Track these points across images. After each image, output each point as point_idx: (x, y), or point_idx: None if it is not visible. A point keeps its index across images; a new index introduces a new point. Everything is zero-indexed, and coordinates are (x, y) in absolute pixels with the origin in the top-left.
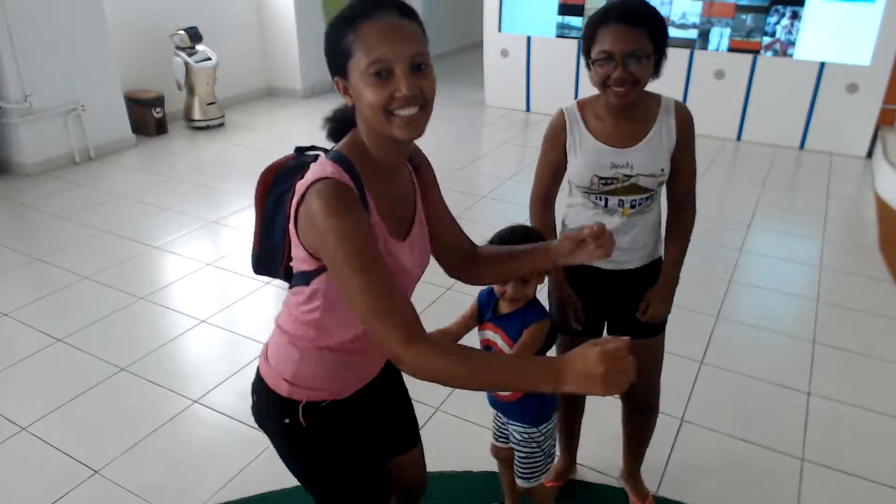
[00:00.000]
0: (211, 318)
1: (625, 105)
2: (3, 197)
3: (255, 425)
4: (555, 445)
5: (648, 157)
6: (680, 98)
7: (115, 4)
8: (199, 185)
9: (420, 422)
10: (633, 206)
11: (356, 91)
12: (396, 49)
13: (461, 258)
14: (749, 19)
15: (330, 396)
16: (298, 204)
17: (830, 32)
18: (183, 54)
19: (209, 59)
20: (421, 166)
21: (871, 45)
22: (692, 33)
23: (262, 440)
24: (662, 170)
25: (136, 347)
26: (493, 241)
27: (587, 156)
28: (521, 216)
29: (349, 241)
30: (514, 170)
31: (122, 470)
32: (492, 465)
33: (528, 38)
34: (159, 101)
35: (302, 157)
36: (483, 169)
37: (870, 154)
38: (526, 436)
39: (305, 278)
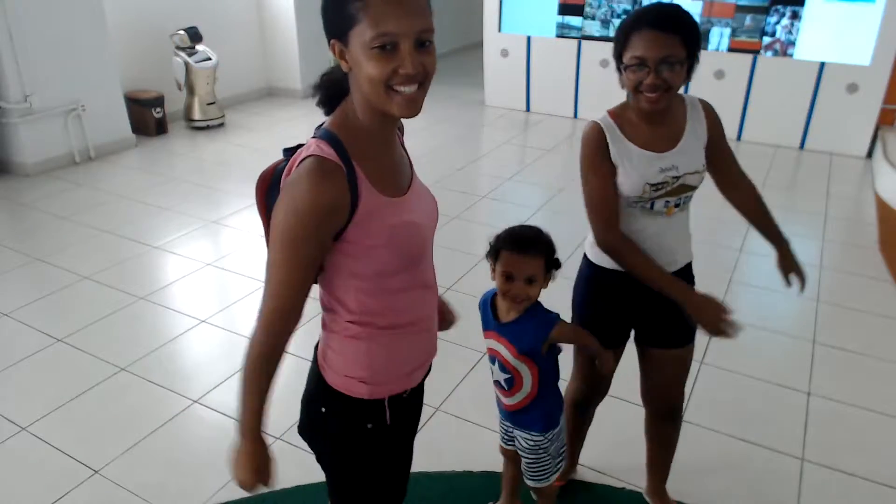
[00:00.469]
0: (211, 318)
1: (657, 111)
2: (3, 197)
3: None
4: (563, 446)
5: (690, 155)
6: None
7: (115, 4)
8: (199, 185)
9: (420, 422)
10: (676, 206)
11: (355, 59)
12: (405, 24)
13: None
14: (748, 19)
15: (409, 384)
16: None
17: (830, 32)
18: (183, 54)
19: (209, 59)
20: (401, 128)
21: (871, 45)
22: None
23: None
24: (703, 164)
25: (136, 347)
26: (499, 238)
27: (636, 166)
28: (522, 216)
29: (294, 222)
30: (514, 170)
31: (122, 470)
32: (491, 465)
33: (528, 38)
34: (159, 101)
35: (290, 157)
36: (483, 169)
37: (870, 154)
38: (532, 443)
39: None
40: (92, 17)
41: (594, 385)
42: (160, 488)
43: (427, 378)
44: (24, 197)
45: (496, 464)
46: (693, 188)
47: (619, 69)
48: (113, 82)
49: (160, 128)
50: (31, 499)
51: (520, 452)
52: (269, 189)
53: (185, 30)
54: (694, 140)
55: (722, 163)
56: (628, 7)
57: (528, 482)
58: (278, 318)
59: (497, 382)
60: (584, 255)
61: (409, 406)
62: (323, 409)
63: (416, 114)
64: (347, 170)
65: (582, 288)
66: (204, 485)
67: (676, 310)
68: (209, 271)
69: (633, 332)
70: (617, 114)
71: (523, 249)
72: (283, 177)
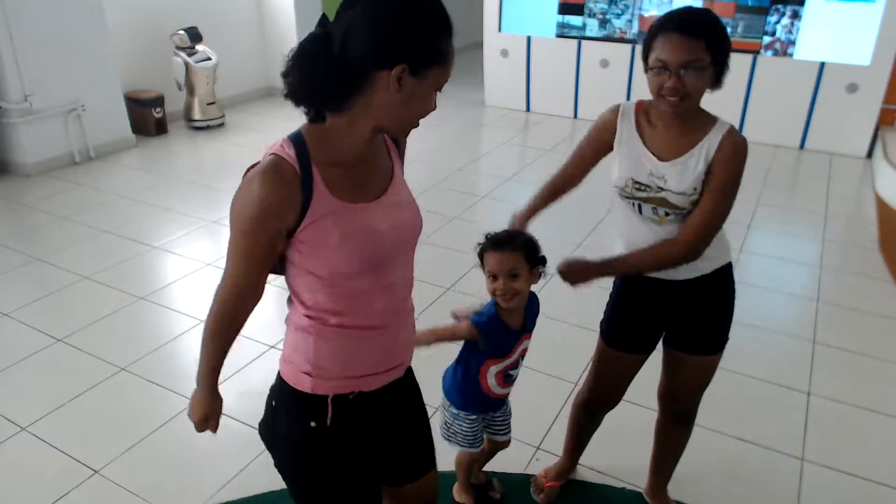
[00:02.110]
0: None
1: (678, 115)
2: (3, 197)
3: (255, 425)
4: (459, 440)
5: (680, 175)
6: None
7: (115, 4)
8: (199, 185)
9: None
10: (667, 215)
11: (415, 91)
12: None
13: None
14: (748, 19)
15: (357, 386)
16: None
17: (830, 32)
18: (183, 54)
19: (209, 59)
20: (400, 141)
21: (871, 45)
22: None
23: None
24: (695, 189)
25: (136, 347)
26: (485, 241)
27: (629, 155)
28: None
29: (244, 216)
30: (514, 170)
31: (122, 470)
32: (491, 464)
33: (528, 38)
34: (159, 101)
35: None
36: (483, 169)
37: (870, 154)
38: (447, 404)
39: (284, 257)
40: (92, 17)
41: (610, 392)
42: (160, 488)
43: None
44: (24, 197)
45: (497, 463)
46: (679, 207)
47: (645, 70)
48: (113, 82)
49: (160, 128)
50: (31, 499)
51: (504, 432)
52: None
53: (185, 30)
54: (692, 164)
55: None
56: (628, 5)
57: (506, 437)
58: (231, 297)
59: (511, 379)
60: None
61: (360, 411)
62: (273, 403)
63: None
64: (303, 172)
65: (615, 292)
66: (204, 485)
67: (708, 316)
68: (209, 271)
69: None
70: (643, 106)
71: (500, 246)
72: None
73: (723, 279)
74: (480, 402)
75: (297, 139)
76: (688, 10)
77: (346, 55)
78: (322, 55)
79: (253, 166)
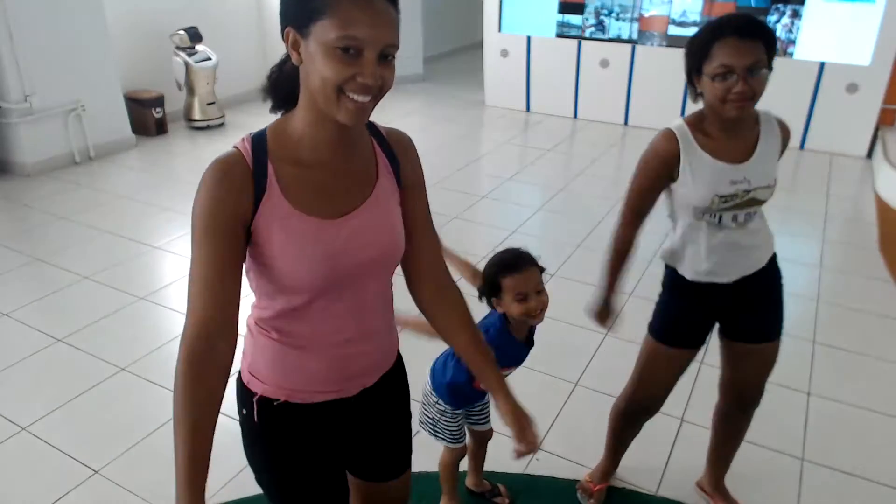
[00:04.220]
0: None
1: (738, 118)
2: (3, 197)
3: None
4: (445, 436)
5: (763, 168)
6: (679, 97)
7: (115, 4)
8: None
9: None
10: (745, 220)
11: (311, 55)
12: (375, 33)
13: (435, 293)
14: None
15: (283, 396)
16: None
17: (830, 32)
18: (183, 54)
19: (209, 59)
20: (404, 160)
21: (871, 45)
22: (692, 31)
23: None
24: (775, 179)
25: (136, 347)
26: (494, 272)
27: (706, 176)
28: (522, 216)
29: (198, 213)
30: (514, 170)
31: (122, 470)
32: (491, 464)
33: (528, 38)
34: (159, 101)
35: None
36: (483, 169)
37: (870, 154)
38: (429, 388)
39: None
40: (92, 17)
41: (656, 395)
42: (160, 488)
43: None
44: (24, 197)
45: (497, 463)
46: (762, 202)
47: (692, 83)
48: (113, 82)
49: (160, 128)
50: (31, 499)
51: (483, 421)
52: None
53: (185, 30)
54: (767, 153)
55: None
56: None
57: (487, 426)
58: (201, 336)
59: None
60: (665, 265)
61: (290, 418)
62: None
63: (362, 123)
64: (257, 166)
65: (666, 293)
66: None
67: (769, 303)
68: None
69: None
70: (693, 123)
71: (518, 268)
72: None
73: (769, 270)
74: (467, 397)
75: (258, 135)
76: (739, 15)
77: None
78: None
79: None
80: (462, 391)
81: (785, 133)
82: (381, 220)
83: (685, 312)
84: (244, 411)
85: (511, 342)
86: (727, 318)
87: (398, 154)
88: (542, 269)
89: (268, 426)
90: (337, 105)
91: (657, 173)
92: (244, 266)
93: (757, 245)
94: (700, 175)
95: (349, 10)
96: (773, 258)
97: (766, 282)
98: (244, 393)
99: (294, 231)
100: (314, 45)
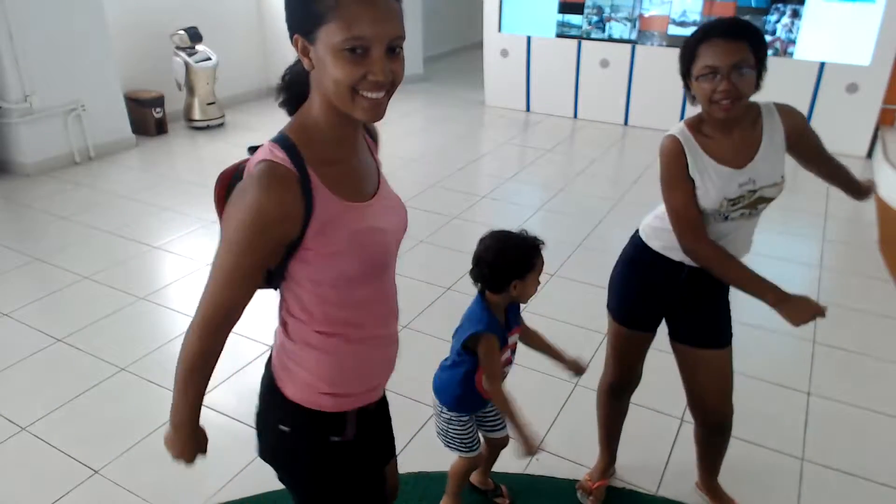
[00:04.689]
0: None
1: (730, 119)
2: (3, 197)
3: (254, 424)
4: (458, 446)
5: (767, 167)
6: (679, 97)
7: (115, 4)
8: (199, 185)
9: (420, 422)
10: (751, 215)
11: (320, 60)
12: (379, 29)
13: None
14: (748, 19)
15: (376, 396)
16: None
17: (830, 32)
18: (183, 54)
19: (209, 59)
20: (377, 143)
21: (871, 45)
22: (692, 31)
23: None
24: (782, 176)
25: (136, 347)
26: (528, 253)
27: (714, 182)
28: (521, 216)
29: (248, 225)
30: (514, 170)
31: (122, 470)
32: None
33: (528, 38)
34: (159, 101)
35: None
36: (483, 169)
37: (870, 154)
38: (440, 409)
39: (281, 271)
40: (92, 17)
41: (628, 370)
42: (160, 488)
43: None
44: (24, 197)
45: (498, 463)
46: (770, 199)
47: (687, 85)
48: (113, 82)
49: (160, 128)
50: (31, 499)
51: (499, 427)
52: (229, 188)
53: (185, 30)
54: (771, 151)
55: (814, 160)
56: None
57: (503, 432)
58: (215, 322)
59: (504, 376)
60: (635, 235)
61: (375, 421)
62: (284, 428)
63: (380, 118)
64: (301, 176)
65: (622, 267)
66: (204, 485)
67: (714, 309)
68: (209, 271)
69: (667, 328)
70: (694, 126)
71: (540, 250)
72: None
73: None
74: (472, 402)
75: (283, 141)
76: (726, 18)
77: None
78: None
79: (229, 171)
80: (466, 397)
81: (787, 118)
82: (393, 196)
83: (639, 291)
84: (335, 439)
85: (501, 329)
86: (673, 313)
87: (376, 137)
88: None
89: (362, 437)
90: (353, 104)
91: (679, 177)
92: (286, 285)
93: (743, 238)
94: (707, 180)
95: (352, 11)
96: None
97: (714, 285)
98: (329, 420)
99: (352, 220)
100: (322, 49)
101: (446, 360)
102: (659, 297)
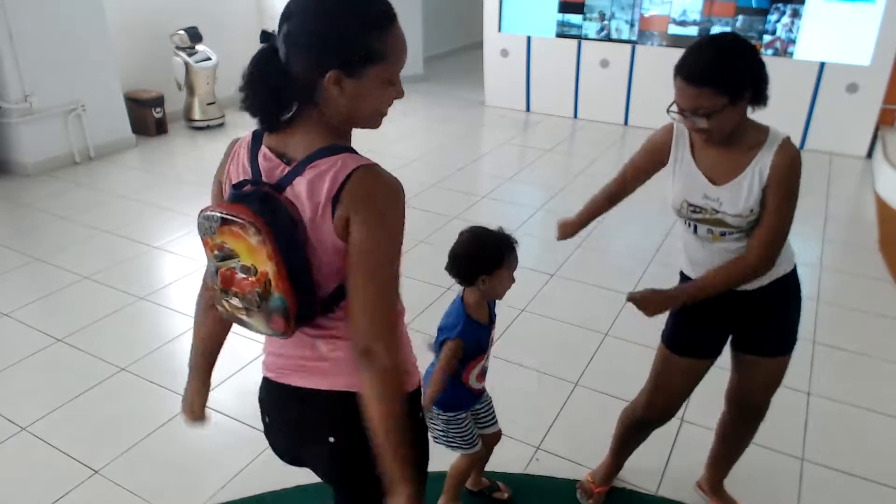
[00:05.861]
0: None
1: (718, 141)
2: (3, 197)
3: (255, 425)
4: (460, 444)
5: (735, 198)
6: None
7: (115, 4)
8: (199, 185)
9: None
10: (722, 235)
11: (361, 91)
12: (406, 58)
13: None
14: (748, 18)
15: (419, 378)
16: (339, 191)
17: (830, 32)
18: (183, 54)
19: (209, 59)
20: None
21: (871, 45)
22: (693, 31)
23: (263, 440)
24: (752, 210)
25: (136, 347)
26: (501, 246)
27: (683, 179)
28: (521, 216)
29: (401, 230)
30: (514, 170)
31: (122, 470)
32: (492, 464)
33: (528, 38)
34: (159, 101)
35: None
36: (483, 169)
37: (870, 154)
38: (436, 412)
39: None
40: (92, 17)
41: (669, 404)
42: (160, 488)
43: None
44: (24, 197)
45: (497, 463)
46: (735, 227)
47: None
48: (113, 82)
49: (160, 128)
50: (31, 499)
51: (491, 423)
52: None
53: (185, 30)
54: (747, 185)
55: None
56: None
57: (495, 427)
58: (397, 324)
59: (485, 372)
60: (680, 272)
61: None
62: (347, 430)
63: None
64: None
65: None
66: (204, 485)
67: (775, 321)
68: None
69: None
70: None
71: (512, 247)
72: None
73: (785, 285)
74: (466, 400)
75: (349, 148)
76: (696, 55)
77: (291, 67)
78: (272, 70)
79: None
80: (460, 397)
81: (779, 160)
82: None
83: (692, 320)
84: (421, 414)
85: (478, 328)
86: (737, 330)
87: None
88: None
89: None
90: (376, 122)
91: (648, 151)
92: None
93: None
94: (679, 174)
95: (397, 46)
96: (784, 279)
97: (775, 298)
98: (412, 399)
99: None
100: (368, 83)
101: (433, 364)
102: (719, 321)
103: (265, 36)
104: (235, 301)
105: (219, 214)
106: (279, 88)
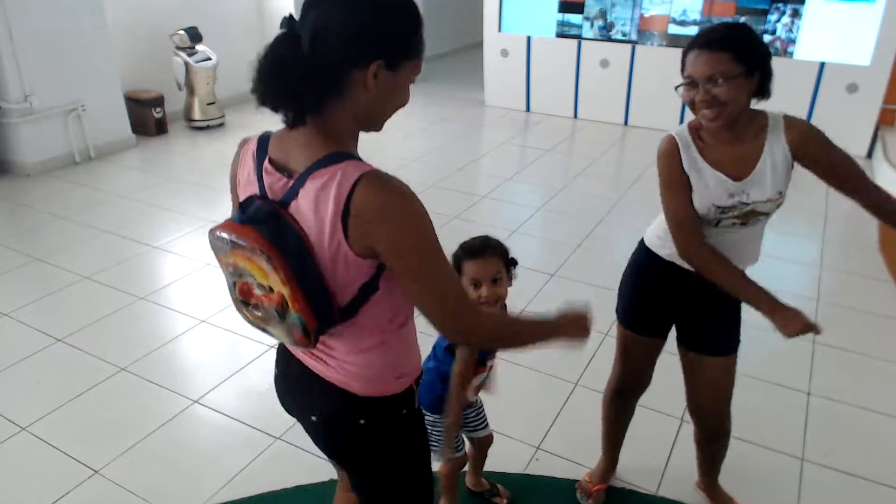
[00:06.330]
0: (211, 318)
1: (723, 127)
2: (3, 197)
3: (255, 425)
4: (437, 448)
5: (764, 182)
6: (678, 97)
7: (115, 4)
8: (199, 185)
9: None
10: (744, 225)
11: (391, 85)
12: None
13: None
14: (748, 18)
15: (419, 370)
16: (346, 205)
17: (830, 32)
18: (183, 54)
19: (209, 59)
20: None
21: (871, 45)
22: (692, 30)
23: (263, 440)
24: (780, 192)
25: (136, 347)
26: (456, 255)
27: (705, 186)
28: (521, 216)
29: (430, 231)
30: (514, 170)
31: (122, 470)
32: (492, 464)
33: (528, 38)
34: (159, 101)
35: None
36: (483, 169)
37: (870, 154)
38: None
39: (368, 289)
40: (92, 17)
41: (635, 374)
42: (160, 488)
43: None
44: (24, 197)
45: (497, 463)
46: (765, 214)
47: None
48: (113, 82)
49: (160, 128)
50: (31, 499)
51: (481, 427)
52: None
53: (185, 30)
54: (770, 166)
55: (837, 177)
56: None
57: (485, 431)
58: (467, 299)
59: (481, 388)
60: (641, 242)
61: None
62: (361, 421)
63: None
64: None
65: (631, 275)
66: (204, 485)
67: (723, 317)
68: (209, 271)
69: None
70: (695, 128)
71: (480, 253)
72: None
73: None
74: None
75: (350, 155)
76: (715, 27)
77: (318, 56)
78: (294, 57)
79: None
80: (442, 399)
81: (792, 133)
82: None
83: (647, 299)
84: (405, 411)
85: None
86: (683, 319)
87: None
88: (511, 262)
89: (419, 411)
90: (382, 123)
91: (678, 169)
92: (374, 300)
93: (746, 248)
94: (699, 182)
95: (421, 44)
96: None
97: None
98: (400, 400)
99: None
100: (401, 78)
101: (427, 360)
102: (667, 304)
103: (287, 22)
104: (257, 312)
105: (228, 237)
106: (304, 78)
